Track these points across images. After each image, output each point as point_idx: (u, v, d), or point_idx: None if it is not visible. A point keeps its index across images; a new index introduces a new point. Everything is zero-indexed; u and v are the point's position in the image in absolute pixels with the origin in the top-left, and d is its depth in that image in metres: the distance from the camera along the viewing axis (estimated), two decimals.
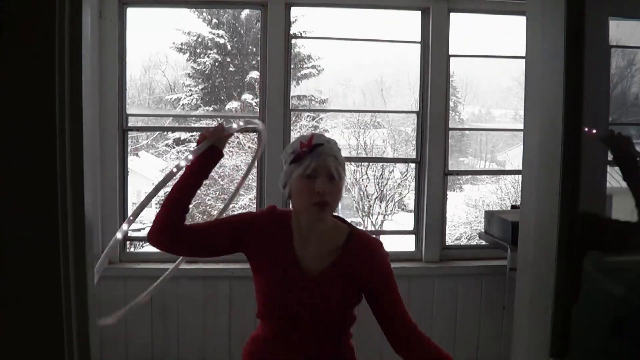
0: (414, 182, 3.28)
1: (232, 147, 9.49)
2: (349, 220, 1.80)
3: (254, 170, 2.98)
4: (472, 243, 9.34)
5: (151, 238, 1.68)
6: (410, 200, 10.37)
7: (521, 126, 1.59)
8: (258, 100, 3.50)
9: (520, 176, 2.18)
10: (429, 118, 3.07)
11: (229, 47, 11.17)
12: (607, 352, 1.46)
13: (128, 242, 3.10)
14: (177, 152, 10.82)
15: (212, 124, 2.48)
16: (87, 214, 1.09)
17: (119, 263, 2.97)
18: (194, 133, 10.30)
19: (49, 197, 1.03)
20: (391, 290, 1.79)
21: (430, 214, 3.10)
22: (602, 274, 1.52)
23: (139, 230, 11.01)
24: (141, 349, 2.94)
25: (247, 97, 10.49)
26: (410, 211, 7.74)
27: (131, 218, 1.66)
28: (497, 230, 2.96)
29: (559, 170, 1.34)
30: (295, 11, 3.10)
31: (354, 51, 11.64)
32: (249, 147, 9.19)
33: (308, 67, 11.46)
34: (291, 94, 3.11)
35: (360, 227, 11.39)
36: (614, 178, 1.54)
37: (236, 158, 9.37)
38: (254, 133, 3.11)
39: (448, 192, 3.28)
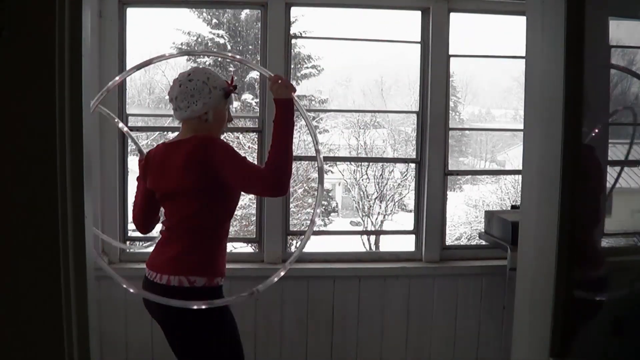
0: (414, 182, 3.28)
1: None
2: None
3: None
4: (472, 243, 9.34)
5: (287, 186, 1.95)
6: (410, 200, 10.37)
7: (521, 126, 1.59)
8: (258, 100, 3.50)
9: (520, 176, 2.18)
10: (429, 118, 3.07)
11: (229, 47, 11.17)
12: (607, 352, 1.46)
13: (128, 242, 3.10)
14: None
15: None
16: (87, 214, 1.09)
17: (119, 263, 2.97)
18: None
19: (49, 198, 1.03)
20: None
21: (430, 214, 3.10)
22: (602, 274, 1.52)
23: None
24: (141, 349, 2.94)
25: (247, 97, 10.50)
26: (410, 211, 7.74)
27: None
28: (497, 230, 2.96)
29: (559, 170, 1.33)
30: (295, 11, 3.10)
31: (354, 51, 11.64)
32: (249, 147, 9.18)
33: (308, 67, 11.46)
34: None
35: (360, 227, 11.35)
36: (614, 178, 1.54)
37: None
38: (254, 133, 3.10)
39: (448, 192, 3.27)
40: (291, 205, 3.39)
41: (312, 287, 2.89)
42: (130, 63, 3.03)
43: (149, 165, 2.12)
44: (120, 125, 2.62)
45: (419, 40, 3.11)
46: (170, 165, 2.00)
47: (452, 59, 3.10)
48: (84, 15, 1.07)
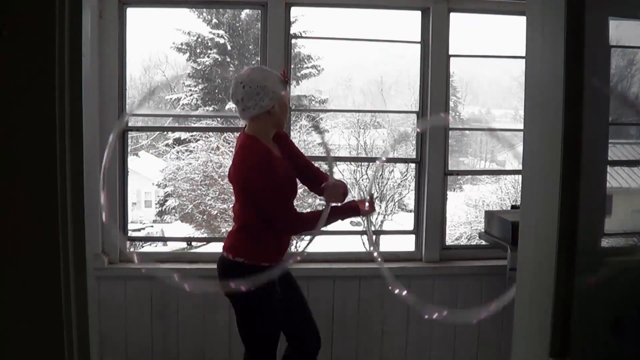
0: (414, 182, 3.27)
1: (232, 147, 9.49)
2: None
3: None
4: (472, 243, 9.34)
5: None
6: (410, 200, 10.37)
7: (521, 126, 1.59)
8: None
9: (520, 176, 2.17)
10: (429, 118, 3.07)
11: (228, 47, 11.17)
12: (607, 352, 1.46)
13: (128, 242, 3.10)
14: (177, 152, 10.82)
15: (212, 124, 2.52)
16: (87, 214, 1.09)
17: (119, 263, 2.97)
18: (194, 133, 10.32)
19: (49, 197, 1.03)
20: None
21: (430, 214, 3.10)
22: (602, 274, 1.52)
23: (138, 230, 11.04)
24: (141, 349, 2.94)
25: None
26: (410, 211, 7.75)
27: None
28: (497, 230, 2.96)
29: (559, 170, 1.33)
30: (295, 11, 3.10)
31: (354, 51, 11.65)
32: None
33: (308, 67, 11.47)
34: (291, 94, 3.11)
35: (360, 227, 11.38)
36: (614, 178, 1.54)
37: None
38: None
39: (448, 192, 3.27)
40: None
41: (312, 287, 2.89)
42: (130, 63, 3.03)
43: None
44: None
45: (419, 40, 3.11)
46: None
47: (452, 59, 3.10)
48: (84, 15, 1.07)
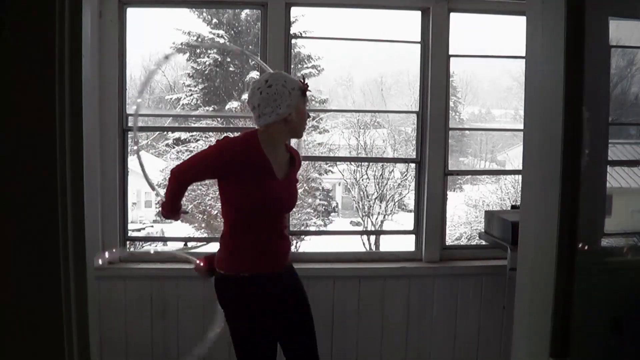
0: (414, 182, 3.27)
1: None
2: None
3: None
4: (472, 243, 9.34)
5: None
6: (410, 200, 10.37)
7: (521, 126, 1.59)
8: None
9: (520, 176, 2.17)
10: (429, 118, 3.07)
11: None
12: (607, 352, 1.46)
13: (128, 242, 3.10)
14: (177, 152, 10.82)
15: (212, 124, 2.50)
16: (87, 214, 1.09)
17: (119, 263, 2.97)
18: (194, 133, 10.32)
19: (49, 197, 1.03)
20: None
21: (430, 214, 3.10)
22: (602, 274, 1.52)
23: (138, 230, 11.03)
24: (141, 349, 2.94)
25: (247, 97, 10.49)
26: (410, 211, 7.75)
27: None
28: (497, 230, 2.96)
29: (559, 170, 1.33)
30: (295, 11, 3.09)
31: (354, 51, 11.65)
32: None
33: (308, 67, 11.47)
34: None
35: (360, 227, 11.34)
36: (614, 178, 1.54)
37: None
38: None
39: (448, 192, 3.27)
40: None
41: (312, 287, 2.88)
42: (130, 63, 3.03)
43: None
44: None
45: (419, 40, 3.11)
46: None
47: (452, 59, 3.10)
48: (84, 15, 1.07)
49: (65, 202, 1.04)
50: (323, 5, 3.29)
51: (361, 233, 11.57)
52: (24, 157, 1.03)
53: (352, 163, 11.24)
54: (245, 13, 10.97)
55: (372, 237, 10.45)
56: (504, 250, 2.83)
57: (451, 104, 7.06)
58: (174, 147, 10.99)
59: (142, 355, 2.95)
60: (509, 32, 3.38)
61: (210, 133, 9.89)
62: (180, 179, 2.15)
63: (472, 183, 11.60)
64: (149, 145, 11.77)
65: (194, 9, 10.63)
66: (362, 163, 11.08)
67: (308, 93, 2.17)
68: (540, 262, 1.39)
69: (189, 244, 3.52)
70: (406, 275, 3.05)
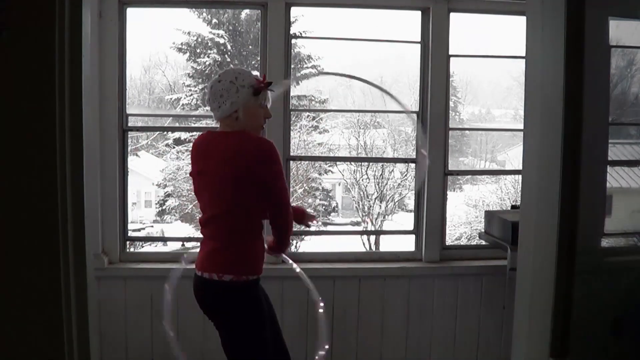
0: (414, 182, 3.27)
1: None
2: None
3: None
4: (472, 243, 9.34)
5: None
6: (410, 200, 10.37)
7: (521, 126, 1.59)
8: None
9: (520, 176, 2.17)
10: (429, 118, 3.07)
11: (229, 47, 11.17)
12: (607, 352, 1.46)
13: (128, 242, 3.10)
14: (177, 152, 10.82)
15: (212, 124, 2.49)
16: (87, 214, 1.09)
17: (119, 263, 2.97)
18: (194, 133, 10.32)
19: (49, 197, 1.03)
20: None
21: (430, 214, 3.10)
22: (602, 274, 1.52)
23: (138, 230, 11.04)
24: (141, 349, 2.94)
25: None
26: (410, 211, 7.75)
27: None
28: (497, 230, 2.96)
29: (559, 170, 1.33)
30: (295, 11, 3.09)
31: (354, 51, 11.63)
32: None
33: (308, 67, 11.47)
34: (291, 94, 3.10)
35: (360, 227, 11.31)
36: (614, 178, 1.54)
37: None
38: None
39: (448, 192, 3.27)
40: None
41: None
42: (130, 63, 3.02)
43: (194, 153, 2.19)
44: None
45: (419, 40, 3.11)
46: (213, 151, 2.07)
47: (452, 59, 3.09)
48: (84, 15, 1.07)
49: (65, 202, 1.04)
50: (323, 5, 3.29)
51: (361, 233, 11.57)
52: (24, 157, 1.03)
53: (352, 163, 11.23)
54: (245, 13, 10.97)
55: (372, 237, 10.45)
56: (504, 250, 2.83)
57: (451, 104, 7.07)
58: (174, 147, 10.99)
59: (142, 355, 2.95)
60: (509, 32, 3.38)
61: None
62: (289, 204, 2.14)
63: (472, 183, 11.60)
64: (149, 145, 11.77)
65: (194, 9, 10.63)
66: (362, 163, 11.07)
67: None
68: (540, 262, 1.39)
69: (187, 244, 3.51)
70: (406, 275, 3.05)
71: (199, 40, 11.12)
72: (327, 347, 2.36)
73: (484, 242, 3.15)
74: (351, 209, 11.81)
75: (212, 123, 2.64)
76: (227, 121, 2.07)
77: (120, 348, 2.92)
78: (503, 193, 10.70)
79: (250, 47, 11.02)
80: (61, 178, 1.04)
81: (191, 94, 11.03)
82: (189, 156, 2.36)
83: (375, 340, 3.06)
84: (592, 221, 1.50)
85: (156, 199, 11.56)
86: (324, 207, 11.36)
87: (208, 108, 2.11)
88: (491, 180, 11.16)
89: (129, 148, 3.03)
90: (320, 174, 11.17)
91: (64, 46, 1.03)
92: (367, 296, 3.02)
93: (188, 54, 11.18)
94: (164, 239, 9.58)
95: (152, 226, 11.41)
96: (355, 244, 9.65)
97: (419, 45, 3.11)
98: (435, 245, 3.11)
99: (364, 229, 11.31)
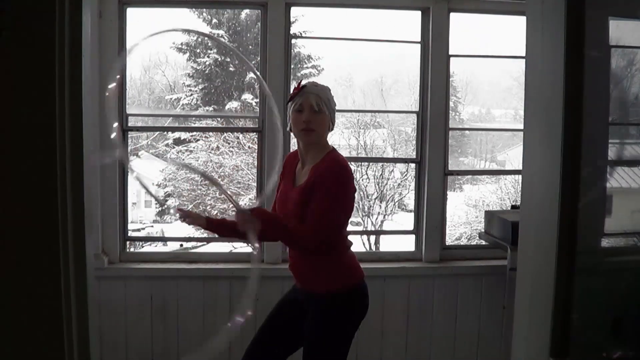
0: (414, 182, 3.28)
1: (232, 147, 9.49)
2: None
3: (254, 170, 2.97)
4: (472, 243, 9.34)
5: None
6: (410, 200, 10.36)
7: (521, 126, 1.59)
8: (258, 100, 3.50)
9: (520, 176, 2.17)
10: (429, 118, 3.07)
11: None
12: (607, 352, 1.46)
13: (128, 242, 3.10)
14: (177, 152, 10.81)
15: (212, 124, 2.48)
16: (87, 213, 1.09)
17: (119, 263, 2.97)
18: (194, 133, 10.32)
19: (49, 197, 1.03)
20: (318, 195, 2.00)
21: (430, 214, 3.10)
22: (602, 274, 1.52)
23: (138, 230, 11.03)
24: (141, 349, 2.94)
25: (247, 97, 10.49)
26: (410, 211, 7.73)
27: None
28: (497, 230, 2.96)
29: (559, 170, 1.33)
30: (295, 11, 3.10)
31: (354, 51, 11.62)
32: (249, 147, 9.18)
33: (308, 67, 11.46)
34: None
35: (360, 227, 11.34)
36: (614, 178, 1.54)
37: (236, 158, 9.37)
38: (254, 133, 3.10)
39: (448, 192, 3.27)
40: None
41: None
42: (130, 63, 3.02)
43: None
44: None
45: (419, 40, 3.11)
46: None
47: (452, 59, 3.10)
48: (84, 15, 1.07)
49: (65, 202, 1.04)
50: (323, 5, 3.29)
51: (361, 233, 11.57)
52: (24, 157, 1.03)
53: (352, 163, 11.22)
54: (245, 13, 10.96)
55: (372, 237, 10.44)
56: (504, 250, 2.83)
57: (451, 104, 7.06)
58: (174, 147, 10.98)
59: (142, 355, 2.95)
60: (509, 32, 3.38)
61: (210, 133, 9.88)
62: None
63: (472, 183, 11.58)
64: (149, 145, 11.77)
65: (194, 9, 10.63)
66: (362, 163, 11.06)
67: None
68: (540, 262, 1.39)
69: (184, 245, 3.52)
70: (406, 275, 3.05)
71: (199, 40, 11.11)
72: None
73: (484, 242, 3.15)
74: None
75: (212, 123, 2.63)
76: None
77: (120, 348, 2.92)
78: (503, 193, 10.69)
79: (250, 47, 11.02)
80: (61, 178, 1.04)
81: (191, 94, 11.02)
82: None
83: (375, 340, 3.06)
84: (592, 221, 1.50)
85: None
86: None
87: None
88: (491, 180, 11.14)
89: (129, 148, 3.02)
90: None
91: (64, 46, 1.03)
92: None
93: (188, 54, 11.18)
94: (164, 239, 9.57)
95: (152, 226, 11.41)
96: (355, 244, 9.64)
97: (419, 45, 3.11)
98: (435, 245, 3.11)
99: (364, 229, 11.30)
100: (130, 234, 3.16)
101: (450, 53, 3.08)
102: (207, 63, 11.03)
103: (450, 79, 3.29)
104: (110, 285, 2.86)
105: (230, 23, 11.23)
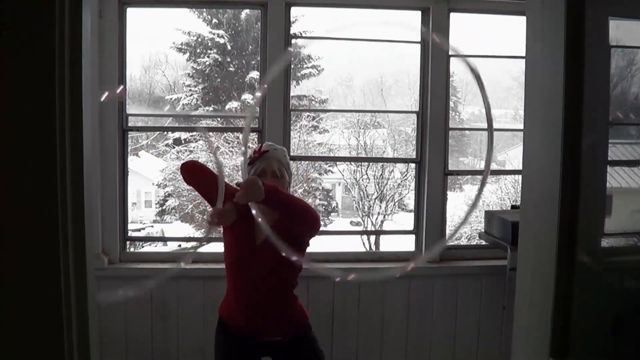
0: (414, 182, 3.28)
1: (232, 147, 9.50)
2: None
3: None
4: (472, 243, 9.34)
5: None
6: (410, 200, 10.36)
7: (521, 126, 1.59)
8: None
9: (520, 176, 2.17)
10: (429, 118, 3.07)
11: (229, 47, 11.17)
12: (607, 352, 1.46)
13: (128, 242, 3.10)
14: (177, 152, 10.81)
15: (212, 124, 2.49)
16: (87, 214, 1.09)
17: (119, 263, 2.97)
18: (194, 133, 10.32)
19: (49, 197, 1.03)
20: None
21: (430, 214, 3.10)
22: (602, 274, 1.52)
23: (138, 230, 11.04)
24: (141, 349, 2.94)
25: (247, 97, 10.50)
26: (410, 211, 7.74)
27: None
28: (497, 230, 2.96)
29: (559, 170, 1.33)
30: (295, 11, 3.10)
31: (354, 51, 11.63)
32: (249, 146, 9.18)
33: (308, 67, 11.47)
34: (291, 94, 3.11)
35: (360, 227, 11.30)
36: (614, 178, 1.54)
37: (236, 158, 9.37)
38: (254, 133, 3.10)
39: (448, 192, 3.27)
40: None
41: (312, 287, 2.89)
42: (130, 63, 3.03)
43: None
44: None
45: (419, 40, 3.11)
46: None
47: (452, 59, 3.10)
48: (84, 15, 1.07)
49: (65, 202, 1.04)
50: (323, 5, 3.29)
51: (361, 233, 11.57)
52: (24, 157, 1.03)
53: (352, 163, 11.23)
54: (245, 13, 10.97)
55: (372, 237, 10.45)
56: (504, 250, 2.83)
57: (451, 104, 7.07)
58: (174, 147, 10.99)
59: (142, 355, 2.95)
60: (509, 32, 3.38)
61: (210, 133, 9.88)
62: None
63: (472, 183, 11.59)
64: (149, 145, 11.77)
65: (194, 9, 10.63)
66: (362, 163, 11.07)
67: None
68: (540, 262, 1.39)
69: (184, 245, 3.51)
70: (406, 275, 3.05)
71: (199, 40, 11.12)
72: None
73: (484, 242, 3.15)
74: (351, 208, 11.81)
75: (212, 123, 2.64)
76: None
77: (120, 348, 2.92)
78: (503, 193, 10.70)
79: (250, 47, 11.02)
80: (61, 178, 1.04)
81: (191, 94, 11.03)
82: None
83: (375, 340, 3.06)
84: (592, 221, 1.50)
85: (156, 199, 11.55)
86: (324, 207, 11.36)
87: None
88: (491, 180, 11.14)
89: (129, 148, 3.03)
90: (320, 174, 11.18)
91: (64, 46, 1.03)
92: (367, 296, 3.02)
93: (188, 54, 11.19)
94: (164, 239, 9.58)
95: (152, 226, 11.41)
96: (355, 244, 9.65)
97: (419, 45, 3.11)
98: (435, 245, 3.11)
99: (364, 229, 11.31)
100: (130, 234, 3.16)
101: (450, 53, 3.08)
102: (207, 63, 11.03)
103: (450, 79, 3.29)
104: (110, 285, 2.86)
105: (230, 23, 11.24)
